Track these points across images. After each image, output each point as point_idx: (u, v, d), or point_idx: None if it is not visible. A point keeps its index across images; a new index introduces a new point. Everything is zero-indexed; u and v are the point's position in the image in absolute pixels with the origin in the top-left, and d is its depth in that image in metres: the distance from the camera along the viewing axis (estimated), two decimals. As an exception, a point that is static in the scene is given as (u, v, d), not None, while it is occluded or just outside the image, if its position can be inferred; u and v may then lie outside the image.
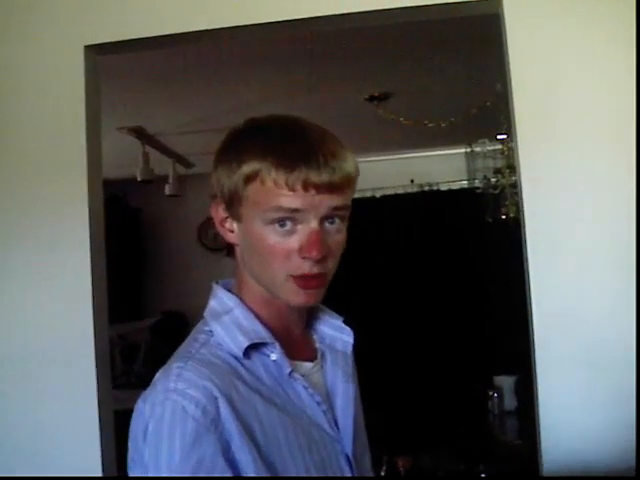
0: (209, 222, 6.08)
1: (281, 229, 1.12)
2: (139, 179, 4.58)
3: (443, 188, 5.26)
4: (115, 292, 2.50)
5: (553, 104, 2.11)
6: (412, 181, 5.33)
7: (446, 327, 3.67)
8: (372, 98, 3.90)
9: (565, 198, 2.09)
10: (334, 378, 1.24)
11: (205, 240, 6.13)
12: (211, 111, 4.12)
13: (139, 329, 5.64)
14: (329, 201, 1.11)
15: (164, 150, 4.85)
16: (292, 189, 1.09)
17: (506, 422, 3.23)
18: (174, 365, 1.11)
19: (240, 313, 1.19)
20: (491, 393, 3.39)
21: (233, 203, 1.15)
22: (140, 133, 4.37)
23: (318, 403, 1.17)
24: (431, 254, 4.22)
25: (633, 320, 2.02)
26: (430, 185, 5.35)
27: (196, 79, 3.50)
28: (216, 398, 1.06)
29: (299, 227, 1.12)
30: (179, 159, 5.23)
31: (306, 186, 1.09)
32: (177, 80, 3.50)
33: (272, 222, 1.12)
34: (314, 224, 1.12)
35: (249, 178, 1.12)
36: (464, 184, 5.19)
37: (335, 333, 1.31)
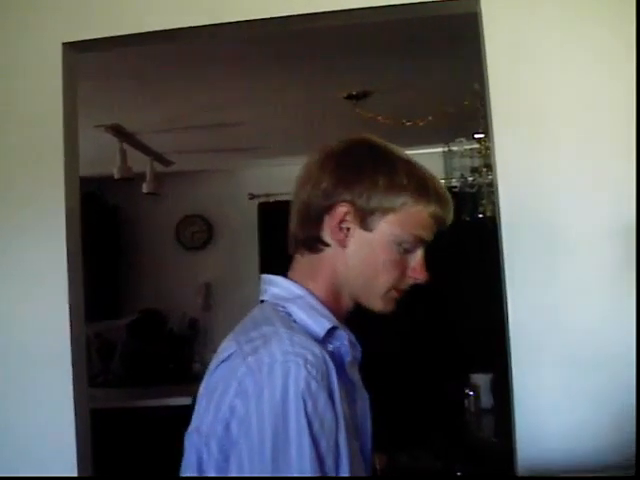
0: (187, 220, 6.08)
1: (402, 249, 1.28)
2: (116, 177, 4.56)
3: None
4: (92, 290, 2.49)
5: (530, 103, 2.13)
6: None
7: (422, 326, 3.69)
8: (350, 97, 3.91)
9: (541, 197, 2.11)
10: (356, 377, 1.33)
11: (183, 238, 6.10)
12: (189, 109, 4.11)
13: (116, 327, 5.62)
14: None
15: (142, 148, 4.83)
16: (433, 224, 1.29)
17: (482, 420, 3.25)
18: (281, 331, 1.17)
19: (312, 300, 1.27)
20: (467, 391, 3.41)
21: (371, 215, 1.26)
22: (118, 131, 4.35)
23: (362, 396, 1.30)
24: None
25: (609, 317, 2.05)
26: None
27: (174, 77, 3.49)
28: (327, 362, 1.14)
29: (416, 251, 1.30)
30: (157, 157, 5.21)
31: (440, 222, 1.31)
32: (156, 78, 3.48)
33: (404, 243, 1.28)
34: (422, 250, 1.31)
35: (403, 204, 1.26)
36: (441, 183, 5.21)
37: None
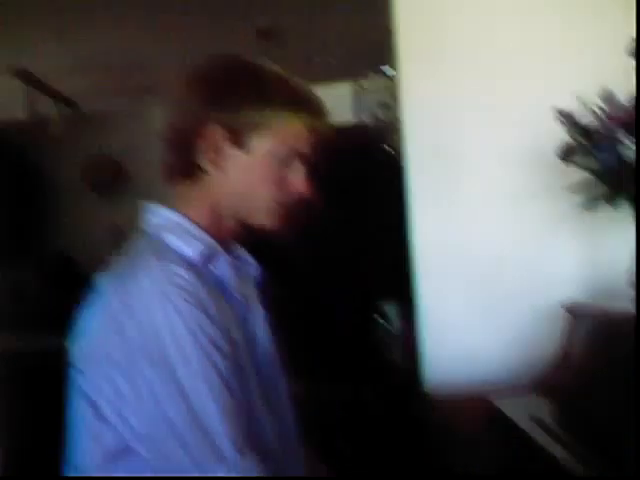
0: (96, 163, 5.91)
1: (280, 163, 1.27)
2: (22, 119, 4.45)
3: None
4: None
5: (438, 39, 2.20)
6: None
7: (333, 253, 3.75)
8: (261, 33, 3.89)
9: (446, 130, 2.20)
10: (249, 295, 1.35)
11: (92, 182, 5.97)
12: (93, 51, 4.01)
13: (23, 271, 5.52)
14: None
15: (48, 91, 4.71)
16: (308, 134, 1.27)
17: (392, 346, 3.38)
18: (152, 261, 1.18)
19: (189, 225, 1.27)
20: (377, 318, 3.53)
21: (245, 133, 1.24)
22: (24, 74, 4.23)
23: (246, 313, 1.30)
24: (319, 186, 4.26)
25: (514, 242, 2.20)
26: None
27: (78, 18, 3.41)
28: (199, 287, 1.16)
29: (296, 164, 1.29)
30: (63, 100, 5.08)
31: (315, 132, 1.29)
32: (60, 18, 3.39)
33: (281, 158, 1.26)
34: (302, 163, 1.30)
35: (275, 118, 1.25)
36: (351, 119, 5.26)
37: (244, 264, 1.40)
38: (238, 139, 1.25)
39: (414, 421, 2.02)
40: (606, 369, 1.52)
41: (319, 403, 3.24)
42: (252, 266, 1.41)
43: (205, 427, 1.11)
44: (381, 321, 3.48)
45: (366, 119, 4.76)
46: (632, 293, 1.85)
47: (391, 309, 3.47)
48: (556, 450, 1.46)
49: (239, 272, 1.34)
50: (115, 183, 5.95)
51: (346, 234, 3.74)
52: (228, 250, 1.32)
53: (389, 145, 3.95)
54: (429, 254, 2.22)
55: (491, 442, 1.84)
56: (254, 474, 1.11)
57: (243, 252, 1.41)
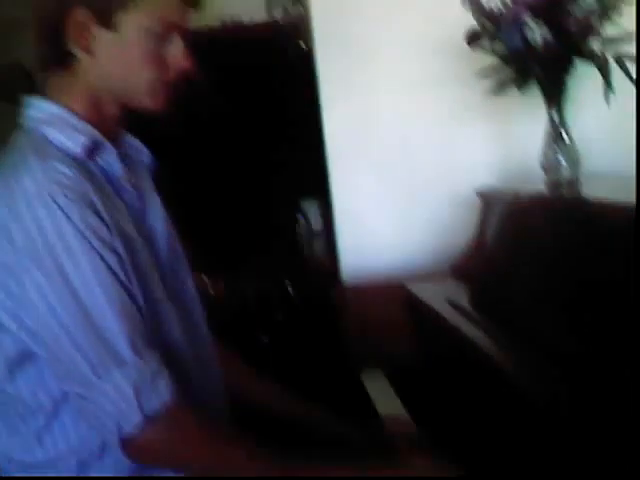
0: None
1: (156, 39, 1.19)
2: None
3: (244, 20, 5.12)
4: None
5: None
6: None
7: (250, 153, 3.71)
8: None
9: (355, 21, 2.17)
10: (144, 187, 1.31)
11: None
12: None
13: None
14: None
15: None
16: (181, 4, 1.20)
17: (313, 242, 3.40)
18: (32, 160, 1.12)
19: (69, 116, 1.20)
20: (298, 216, 3.53)
21: (112, 12, 1.16)
22: None
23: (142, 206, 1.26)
24: (232, 84, 4.15)
25: (423, 128, 2.19)
26: (231, 18, 5.20)
27: None
28: (82, 182, 1.12)
29: (173, 38, 1.21)
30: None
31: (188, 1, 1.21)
32: None
33: (155, 33, 1.18)
34: (180, 37, 1.22)
35: None
36: (264, 15, 5.11)
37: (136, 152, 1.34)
38: (105, 19, 1.17)
39: (334, 311, 2.05)
40: (519, 251, 1.54)
41: (244, 298, 3.28)
42: (143, 153, 1.35)
43: (101, 330, 1.08)
44: (301, 218, 3.49)
45: (278, 15, 4.64)
46: (544, 175, 1.88)
47: (310, 206, 3.47)
48: (471, 331, 1.49)
49: (130, 162, 1.29)
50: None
51: (262, 132, 3.69)
52: (115, 140, 1.26)
53: (301, 40, 3.86)
54: (342, 147, 2.21)
55: (408, 326, 1.88)
56: (155, 376, 1.10)
57: (133, 140, 1.34)
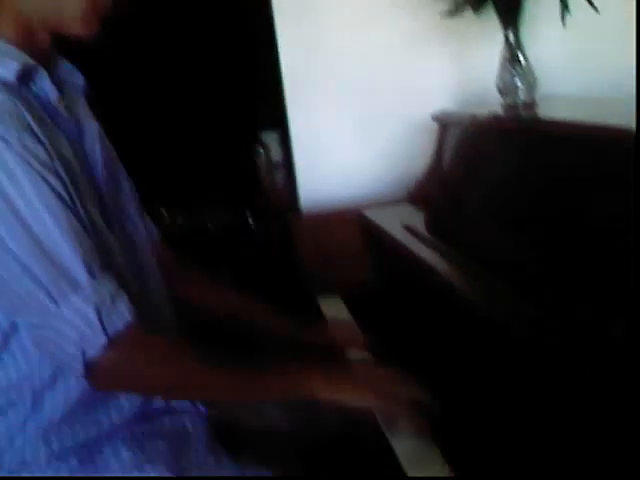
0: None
1: None
2: None
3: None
4: None
5: None
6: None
7: (208, 86, 3.65)
8: None
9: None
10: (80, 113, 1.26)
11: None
12: None
13: None
14: None
15: None
16: None
17: (273, 173, 3.38)
18: None
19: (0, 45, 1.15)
20: (258, 148, 3.50)
21: None
22: None
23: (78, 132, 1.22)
24: (187, 17, 4.05)
25: (380, 53, 2.16)
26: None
27: None
28: (18, 107, 1.08)
29: None
30: None
31: None
32: None
33: None
34: None
35: None
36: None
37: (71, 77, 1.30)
38: None
39: (293, 240, 2.05)
40: (475, 174, 1.53)
41: (203, 230, 3.26)
42: (78, 77, 1.30)
43: (53, 256, 1.06)
44: (261, 150, 3.46)
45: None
46: (501, 98, 1.87)
47: (269, 137, 3.43)
48: (427, 255, 1.49)
49: (66, 88, 1.24)
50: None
51: (217, 63, 3.63)
52: (48, 65, 1.21)
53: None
54: (299, 77, 2.17)
55: (366, 252, 1.88)
56: (114, 297, 1.08)
57: (67, 64, 1.29)
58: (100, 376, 1.09)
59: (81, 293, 1.06)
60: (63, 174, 1.10)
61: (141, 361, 1.13)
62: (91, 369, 1.07)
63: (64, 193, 1.08)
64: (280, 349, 1.49)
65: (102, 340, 1.06)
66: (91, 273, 1.07)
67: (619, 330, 0.88)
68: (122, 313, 1.08)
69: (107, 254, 1.15)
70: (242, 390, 1.19)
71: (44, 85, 1.17)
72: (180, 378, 1.15)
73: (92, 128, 1.27)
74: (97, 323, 1.05)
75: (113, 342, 1.06)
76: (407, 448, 1.12)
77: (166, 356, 1.14)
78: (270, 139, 3.48)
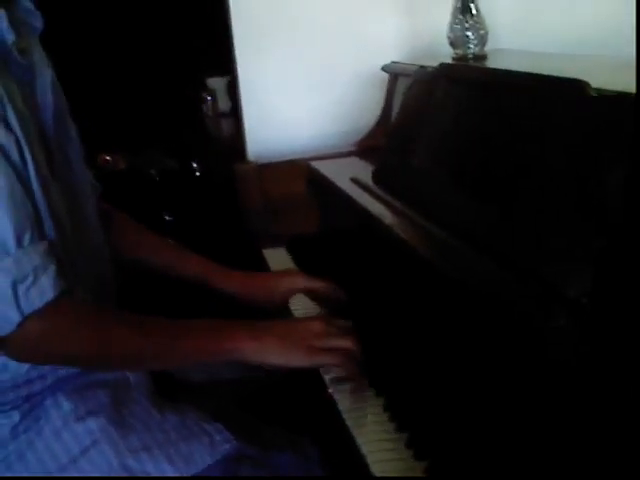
0: None
1: None
2: None
3: None
4: None
5: None
6: None
7: (155, 32, 3.56)
8: None
9: None
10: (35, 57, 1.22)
11: None
12: None
13: None
14: None
15: None
16: None
17: (221, 123, 3.32)
18: None
19: None
20: (205, 95, 3.44)
21: None
22: None
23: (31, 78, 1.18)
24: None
25: (331, 5, 2.11)
26: None
27: None
28: None
29: None
30: None
31: None
32: None
33: None
34: None
35: None
36: None
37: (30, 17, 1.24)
38: None
39: (239, 189, 2.02)
40: (424, 125, 1.52)
41: (148, 177, 3.22)
42: (37, 19, 1.24)
43: None
44: (208, 97, 3.39)
45: None
46: (452, 50, 1.85)
47: (217, 84, 3.37)
48: (373, 207, 1.48)
49: (23, 28, 1.18)
50: None
51: (165, 9, 3.54)
52: (8, 3, 1.15)
53: None
54: (249, 25, 2.12)
55: (312, 203, 1.87)
56: (38, 271, 1.04)
57: (27, 2, 1.22)
58: (17, 351, 1.08)
59: (2, 264, 1.02)
60: (16, 125, 1.06)
61: (59, 333, 1.10)
62: (10, 342, 1.05)
63: (13, 149, 1.05)
64: (219, 305, 1.46)
65: (15, 317, 1.03)
66: (19, 243, 1.04)
67: (574, 288, 0.88)
68: (44, 290, 1.05)
69: (50, 207, 1.11)
70: (165, 356, 1.17)
71: (1, 26, 1.11)
72: (102, 349, 1.13)
73: (45, 74, 1.22)
74: (12, 299, 1.02)
75: (29, 318, 1.04)
76: (345, 396, 1.13)
77: (86, 324, 1.12)
78: (218, 86, 3.43)
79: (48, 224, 1.11)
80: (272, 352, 1.13)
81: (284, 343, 1.14)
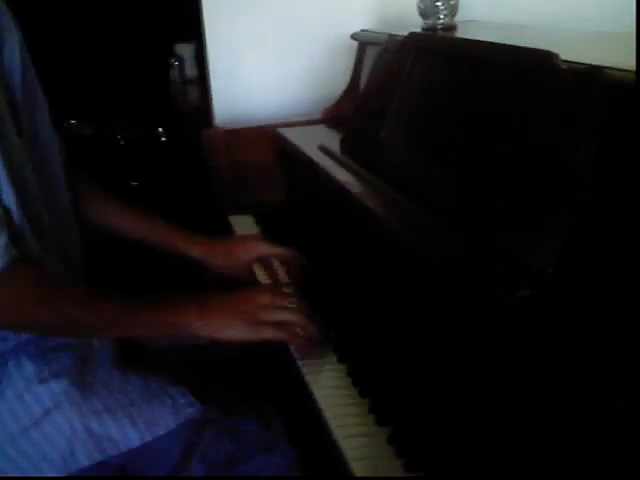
0: None
1: None
2: None
3: None
4: None
5: None
6: None
7: (118, 3, 3.51)
8: None
9: None
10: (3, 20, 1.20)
11: None
12: None
13: None
14: None
15: None
16: None
17: (188, 89, 3.29)
18: None
19: None
20: (172, 61, 3.40)
21: None
22: None
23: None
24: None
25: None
26: None
27: None
28: None
29: None
30: None
31: None
32: None
33: None
34: None
35: None
36: None
37: None
38: None
39: (205, 156, 2.00)
40: (391, 93, 1.51)
41: (114, 143, 3.19)
42: None
43: None
44: (175, 63, 3.36)
45: None
46: (422, 21, 1.84)
47: (184, 50, 3.33)
48: (340, 174, 1.48)
49: None
50: None
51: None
52: None
53: None
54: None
55: (280, 171, 1.87)
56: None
57: None
58: None
59: None
60: None
61: (6, 304, 1.09)
62: None
63: None
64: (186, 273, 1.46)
65: None
66: None
67: (537, 260, 0.89)
68: None
69: (14, 166, 1.10)
70: (115, 329, 1.18)
71: None
72: (48, 319, 1.12)
73: (13, 39, 1.21)
74: None
75: None
76: (309, 362, 1.13)
77: (37, 298, 1.11)
78: (186, 52, 3.40)
79: (7, 190, 1.10)
80: (218, 327, 1.13)
81: (230, 317, 1.13)
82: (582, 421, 0.71)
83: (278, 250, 1.43)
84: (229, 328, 1.13)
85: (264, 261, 1.47)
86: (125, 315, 1.15)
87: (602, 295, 0.82)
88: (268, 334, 1.14)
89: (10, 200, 1.10)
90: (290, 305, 1.16)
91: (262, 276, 1.45)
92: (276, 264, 1.46)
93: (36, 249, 1.15)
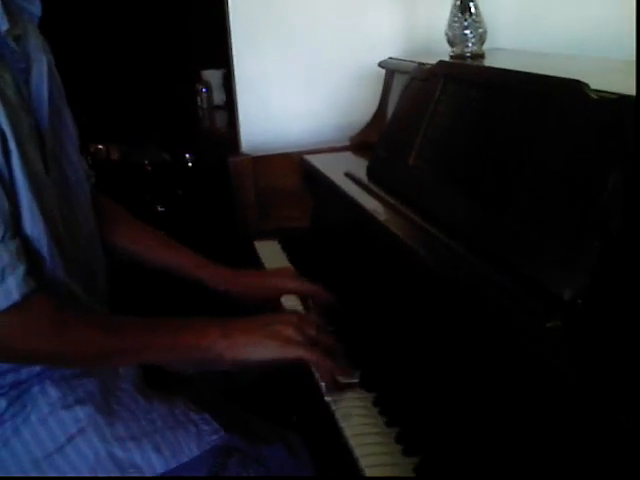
0: None
1: None
2: None
3: None
4: None
5: None
6: None
7: (151, 23, 3.55)
8: None
9: None
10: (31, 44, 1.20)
11: None
12: None
13: None
14: None
15: None
16: None
17: (215, 115, 3.31)
18: None
19: None
20: (200, 88, 3.42)
21: None
22: None
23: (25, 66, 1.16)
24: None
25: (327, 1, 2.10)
26: None
27: None
28: None
29: None
30: None
31: None
32: None
33: None
34: None
35: None
36: None
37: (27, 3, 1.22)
38: None
39: (232, 182, 2.01)
40: (419, 122, 1.51)
41: (141, 169, 3.21)
42: (36, 4, 1.23)
43: None
44: (203, 90, 3.38)
45: None
46: (449, 49, 1.84)
47: (213, 77, 3.36)
48: (366, 201, 1.48)
49: (21, 16, 1.18)
50: None
51: (159, 10, 3.53)
52: None
53: None
54: (246, 18, 2.11)
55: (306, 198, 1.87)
56: (5, 271, 1.03)
57: None
58: None
59: None
60: (3, 118, 1.04)
61: (23, 335, 1.08)
62: None
63: None
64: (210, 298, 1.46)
65: None
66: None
67: (567, 291, 0.88)
68: (9, 291, 1.03)
69: (40, 200, 1.11)
70: (134, 356, 1.17)
71: None
72: (64, 349, 1.11)
73: (42, 63, 1.20)
74: None
75: None
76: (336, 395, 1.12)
77: (53, 329, 1.09)
78: (213, 78, 3.42)
79: (32, 218, 1.10)
80: (243, 347, 1.12)
81: (255, 336, 1.13)
82: (605, 449, 0.70)
83: (306, 287, 1.41)
84: (254, 347, 1.12)
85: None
86: (147, 340, 1.14)
87: (631, 326, 0.81)
88: (298, 352, 1.12)
89: (35, 229, 1.10)
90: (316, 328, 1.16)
91: (289, 301, 1.45)
92: None
93: (62, 274, 1.14)
